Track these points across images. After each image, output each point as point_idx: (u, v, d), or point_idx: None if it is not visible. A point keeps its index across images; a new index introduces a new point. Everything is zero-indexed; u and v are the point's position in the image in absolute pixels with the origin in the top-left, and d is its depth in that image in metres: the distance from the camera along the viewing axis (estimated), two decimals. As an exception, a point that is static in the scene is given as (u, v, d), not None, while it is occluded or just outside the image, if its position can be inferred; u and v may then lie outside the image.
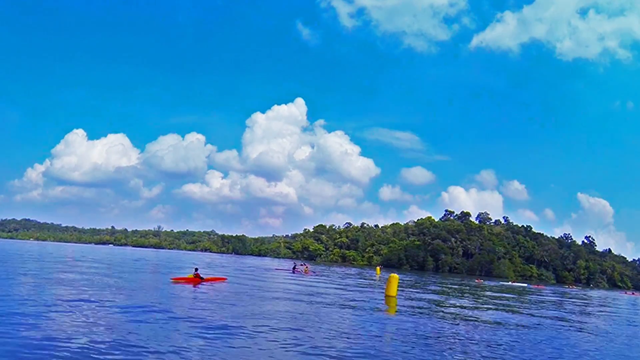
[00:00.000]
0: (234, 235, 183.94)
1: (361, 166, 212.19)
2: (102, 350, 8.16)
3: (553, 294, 49.87)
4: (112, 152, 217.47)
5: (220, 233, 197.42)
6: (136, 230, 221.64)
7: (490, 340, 12.55)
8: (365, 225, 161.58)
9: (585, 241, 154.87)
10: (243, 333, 10.79)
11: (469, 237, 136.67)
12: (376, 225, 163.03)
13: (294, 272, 43.59)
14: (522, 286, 67.39)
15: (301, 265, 50.76)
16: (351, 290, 27.06)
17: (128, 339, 9.16)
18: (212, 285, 23.26)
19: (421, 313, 17.67)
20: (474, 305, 24.22)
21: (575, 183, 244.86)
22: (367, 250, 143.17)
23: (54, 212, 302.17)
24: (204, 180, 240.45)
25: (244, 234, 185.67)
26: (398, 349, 10.45)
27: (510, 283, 75.88)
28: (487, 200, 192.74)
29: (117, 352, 8.14)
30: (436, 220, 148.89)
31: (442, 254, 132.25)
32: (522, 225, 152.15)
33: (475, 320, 16.87)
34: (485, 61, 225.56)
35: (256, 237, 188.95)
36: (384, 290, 24.75)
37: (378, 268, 67.59)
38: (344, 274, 51.86)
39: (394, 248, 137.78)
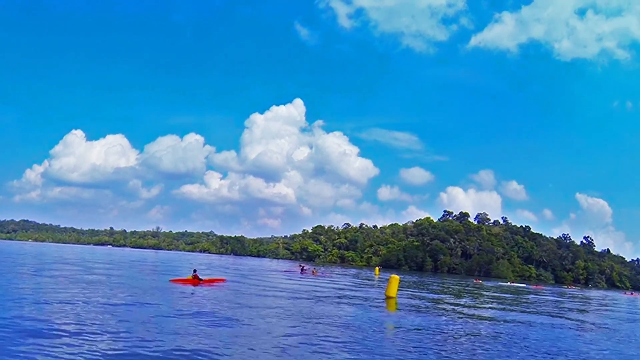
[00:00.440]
0: (233, 236, 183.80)
1: (360, 167, 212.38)
2: (100, 352, 8.14)
3: (552, 294, 49.93)
4: (111, 152, 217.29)
5: (219, 234, 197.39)
6: (135, 231, 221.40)
7: (490, 341, 12.56)
8: (364, 225, 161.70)
9: (584, 241, 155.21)
10: (241, 334, 10.79)
11: (468, 238, 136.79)
12: (375, 226, 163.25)
13: (302, 273, 44.20)
14: (520, 286, 67.47)
15: (307, 268, 51.28)
16: (350, 290, 27.06)
17: (126, 339, 9.16)
18: (211, 286, 23.25)
19: (420, 313, 17.67)
20: (474, 305, 24.23)
21: (573, 183, 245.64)
22: (365, 250, 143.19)
23: (52, 213, 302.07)
24: (203, 181, 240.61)
25: (243, 235, 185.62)
26: (398, 351, 10.44)
27: (509, 283, 75.95)
28: (485, 201, 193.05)
29: (115, 353, 8.12)
30: (435, 220, 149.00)
31: (441, 254, 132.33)
32: (521, 226, 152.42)
33: (475, 320, 16.88)
34: (484, 61, 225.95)
35: (255, 237, 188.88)
36: (383, 290, 24.73)
37: (377, 269, 67.61)
38: (343, 275, 51.88)
39: (393, 249, 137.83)
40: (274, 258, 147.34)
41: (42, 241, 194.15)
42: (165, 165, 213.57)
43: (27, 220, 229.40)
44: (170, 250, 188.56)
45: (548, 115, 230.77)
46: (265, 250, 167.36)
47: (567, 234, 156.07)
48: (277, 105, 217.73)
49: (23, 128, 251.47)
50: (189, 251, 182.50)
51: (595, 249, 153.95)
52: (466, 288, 45.11)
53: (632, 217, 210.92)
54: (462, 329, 14.47)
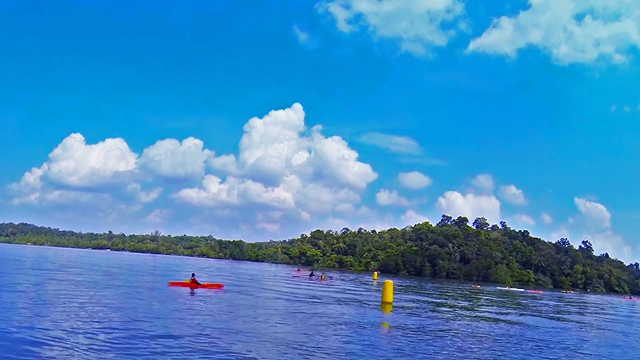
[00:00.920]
0: (232, 240, 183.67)
1: (358, 171, 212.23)
2: (98, 353, 8.31)
3: (550, 299, 50.05)
4: (110, 156, 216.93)
5: (217, 238, 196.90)
6: (133, 235, 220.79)
7: (488, 344, 12.72)
8: (362, 230, 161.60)
9: (582, 246, 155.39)
10: (241, 333, 10.94)
11: (466, 243, 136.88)
12: (373, 231, 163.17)
13: (311, 278, 44.74)
14: (519, 291, 67.62)
15: (316, 273, 52.04)
16: (349, 295, 27.18)
17: (124, 339, 9.31)
18: (208, 291, 23.41)
19: (417, 317, 17.82)
20: (472, 311, 24.37)
21: (572, 187, 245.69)
22: (364, 255, 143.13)
23: (51, 216, 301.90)
24: (202, 185, 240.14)
25: (242, 239, 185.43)
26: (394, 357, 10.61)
27: (507, 288, 76.06)
28: (484, 205, 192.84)
29: (112, 354, 8.30)
30: (433, 225, 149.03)
31: (440, 259, 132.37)
32: (519, 230, 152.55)
33: (473, 326, 17.02)
34: (482, 66, 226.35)
35: (253, 242, 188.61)
36: (380, 296, 24.83)
37: (375, 273, 67.79)
38: (340, 279, 51.98)
39: (392, 253, 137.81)
40: (273, 263, 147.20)
41: (40, 244, 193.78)
42: (164, 169, 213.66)
43: (26, 223, 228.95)
44: (169, 254, 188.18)
45: (546, 119, 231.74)
46: (263, 254, 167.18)
47: (566, 239, 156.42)
48: (276, 109, 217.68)
49: (22, 131, 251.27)
50: (187, 255, 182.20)
51: (594, 254, 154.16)
52: (464, 293, 45.23)
53: (630, 222, 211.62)
54: (459, 335, 14.63)
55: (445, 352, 11.13)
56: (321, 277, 46.92)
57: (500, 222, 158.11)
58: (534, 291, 74.44)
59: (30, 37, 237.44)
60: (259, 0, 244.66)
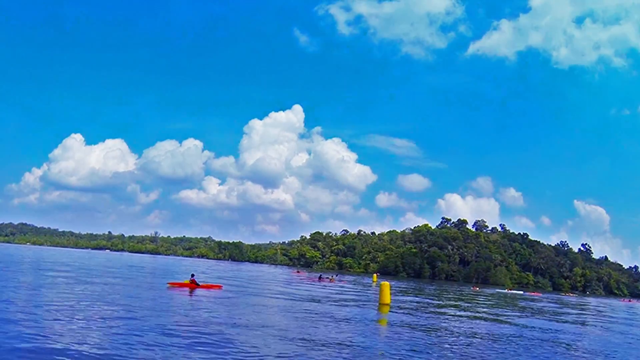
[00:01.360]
0: (231, 241, 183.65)
1: (358, 173, 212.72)
2: (96, 354, 8.38)
3: (550, 301, 50.08)
4: (110, 157, 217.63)
5: (216, 239, 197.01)
6: (133, 235, 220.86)
7: (487, 346, 12.78)
8: (361, 232, 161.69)
9: (582, 248, 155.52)
10: (240, 334, 11.00)
11: (466, 245, 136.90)
12: (373, 233, 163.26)
13: (320, 281, 45.10)
14: (518, 294, 67.62)
15: (325, 276, 52.61)
16: (347, 298, 27.23)
17: (122, 340, 9.36)
18: (207, 291, 23.49)
19: (415, 320, 17.87)
20: (471, 314, 24.42)
21: (571, 190, 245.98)
22: (363, 257, 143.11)
23: (51, 216, 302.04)
24: (201, 187, 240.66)
25: (241, 241, 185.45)
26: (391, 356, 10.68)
27: (506, 291, 76.06)
28: (483, 207, 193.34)
29: (111, 355, 8.36)
30: (433, 227, 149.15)
31: (439, 261, 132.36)
32: (519, 233, 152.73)
33: (471, 329, 17.08)
34: (482, 69, 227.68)
35: (253, 243, 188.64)
36: (378, 298, 24.89)
37: (375, 275, 67.82)
38: (340, 281, 52.01)
39: (391, 255, 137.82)
40: (272, 264, 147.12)
41: (40, 245, 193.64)
42: (163, 170, 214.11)
43: (26, 223, 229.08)
44: (168, 255, 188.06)
45: (546, 122, 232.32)
46: (263, 256, 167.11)
47: (565, 241, 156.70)
48: (276, 111, 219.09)
49: (22, 131, 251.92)
50: (186, 256, 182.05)
51: (593, 256, 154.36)
52: (463, 295, 45.28)
53: (629, 224, 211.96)
54: (455, 336, 14.69)
55: (441, 352, 11.19)
56: (330, 279, 47.52)
57: (500, 225, 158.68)
58: (533, 294, 74.43)
59: (30, 38, 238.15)
60: (260, 3, 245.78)
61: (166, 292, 20.89)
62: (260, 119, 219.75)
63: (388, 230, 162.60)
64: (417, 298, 33.19)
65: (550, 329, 18.87)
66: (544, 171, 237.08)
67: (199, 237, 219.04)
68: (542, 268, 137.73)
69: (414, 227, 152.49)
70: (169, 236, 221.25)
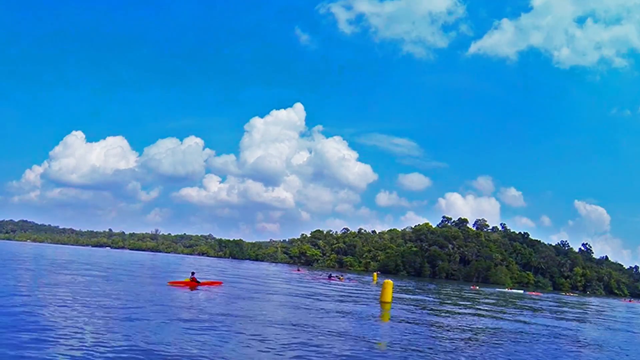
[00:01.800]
0: (231, 239, 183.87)
1: (359, 172, 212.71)
2: (96, 352, 8.35)
3: (550, 301, 50.05)
4: (111, 154, 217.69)
5: (217, 237, 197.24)
6: (133, 233, 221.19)
7: (485, 346, 12.76)
8: (362, 230, 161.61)
9: (582, 248, 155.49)
10: (239, 332, 10.98)
11: (466, 244, 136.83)
12: (373, 231, 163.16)
13: (329, 280, 45.38)
14: (518, 293, 67.62)
15: (334, 275, 53.01)
16: (348, 295, 27.21)
17: (122, 339, 9.36)
18: (208, 289, 23.48)
19: (414, 318, 17.85)
20: (469, 312, 24.39)
21: (572, 190, 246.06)
22: (364, 256, 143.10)
23: (51, 214, 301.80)
24: (202, 184, 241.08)
25: (241, 239, 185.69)
26: (391, 354, 10.65)
27: (507, 290, 76.06)
28: (483, 207, 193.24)
29: (110, 354, 8.33)
30: (433, 226, 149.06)
31: (439, 260, 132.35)
32: (519, 232, 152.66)
33: (469, 328, 17.05)
34: (483, 68, 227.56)
35: (253, 241, 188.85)
36: (379, 296, 24.88)
37: (375, 274, 67.84)
38: (350, 280, 52.01)
39: (391, 254, 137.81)
40: (272, 262, 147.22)
41: (40, 242, 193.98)
42: (164, 167, 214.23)
43: (26, 220, 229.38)
44: (169, 252, 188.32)
45: (547, 122, 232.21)
46: (263, 254, 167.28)
47: (565, 241, 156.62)
48: (277, 109, 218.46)
49: (23, 129, 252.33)
50: (187, 254, 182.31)
51: (594, 256, 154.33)
52: (462, 294, 45.28)
53: (630, 225, 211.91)
54: (454, 333, 14.66)
55: (439, 349, 11.17)
56: (340, 278, 47.97)
57: (500, 224, 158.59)
58: (533, 293, 74.44)
59: (31, 36, 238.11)
60: (261, 1, 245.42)
61: (166, 290, 20.88)
62: (261, 117, 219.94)
63: (389, 229, 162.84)
64: (417, 296, 33.17)
65: (551, 326, 18.84)
66: (544, 171, 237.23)
67: (199, 234, 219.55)
68: (542, 268, 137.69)
69: (415, 226, 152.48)
70: (169, 234, 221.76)
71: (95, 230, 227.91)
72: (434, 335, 13.52)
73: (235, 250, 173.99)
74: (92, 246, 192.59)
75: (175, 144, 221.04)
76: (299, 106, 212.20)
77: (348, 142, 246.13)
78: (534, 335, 15.45)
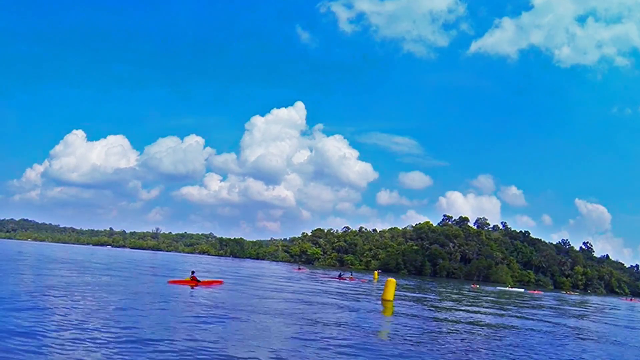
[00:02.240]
0: (232, 238, 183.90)
1: (359, 170, 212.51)
2: (96, 351, 8.31)
3: (551, 299, 50.00)
4: (111, 153, 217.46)
5: (218, 236, 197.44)
6: (134, 232, 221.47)
7: (482, 344, 12.70)
8: (363, 229, 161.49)
9: (583, 247, 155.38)
10: (239, 331, 10.94)
11: (467, 243, 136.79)
12: (374, 230, 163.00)
13: (339, 279, 45.56)
14: (519, 292, 67.56)
15: (344, 274, 53.25)
16: (349, 293, 27.17)
17: (122, 333, 9.31)
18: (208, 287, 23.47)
19: (415, 314, 17.80)
20: (469, 309, 24.34)
21: (572, 189, 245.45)
22: (365, 254, 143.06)
23: (52, 212, 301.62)
24: (203, 183, 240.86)
25: (242, 237, 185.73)
26: (393, 349, 10.60)
27: (508, 288, 75.97)
28: (484, 206, 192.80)
29: (110, 353, 8.29)
30: (434, 225, 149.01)
31: (440, 258, 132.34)
32: (520, 231, 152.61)
33: (470, 324, 17.00)
34: (484, 67, 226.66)
35: (254, 240, 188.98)
36: (380, 294, 24.83)
37: (376, 273, 67.76)
38: (360, 280, 52.05)
39: (392, 252, 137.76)
40: (273, 261, 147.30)
41: (41, 241, 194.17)
42: (165, 166, 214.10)
43: (27, 219, 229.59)
44: (170, 251, 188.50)
45: (547, 121, 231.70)
46: (264, 252, 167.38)
47: (566, 240, 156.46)
48: (278, 108, 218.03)
49: (24, 127, 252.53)
50: (188, 253, 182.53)
51: (594, 255, 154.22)
52: (463, 292, 45.26)
53: (631, 223, 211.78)
54: (456, 333, 14.60)
55: (439, 339, 11.12)
56: (350, 277, 48.39)
57: (501, 223, 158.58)
58: (534, 292, 74.36)
59: (32, 34, 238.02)
60: (262, 0, 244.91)
61: (167, 289, 20.87)
62: (262, 116, 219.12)
63: (389, 227, 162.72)
64: (418, 294, 33.14)
65: (552, 322, 18.79)
66: (545, 170, 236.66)
67: (200, 233, 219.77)
68: (543, 266, 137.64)
69: (416, 225, 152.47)
70: (170, 232, 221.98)
71: (96, 229, 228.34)
72: (434, 328, 13.76)
73: (236, 249, 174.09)
74: (93, 245, 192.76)
75: (175, 143, 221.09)
76: (299, 105, 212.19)
77: (349, 140, 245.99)
78: (535, 331, 15.37)
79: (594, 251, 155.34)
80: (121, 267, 36.15)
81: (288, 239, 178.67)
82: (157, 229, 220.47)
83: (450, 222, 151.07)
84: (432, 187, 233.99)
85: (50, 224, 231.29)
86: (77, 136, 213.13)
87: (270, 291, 24.55)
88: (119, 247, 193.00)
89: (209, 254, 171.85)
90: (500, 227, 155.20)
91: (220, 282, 26.51)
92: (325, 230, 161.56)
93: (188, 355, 8.25)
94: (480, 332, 14.25)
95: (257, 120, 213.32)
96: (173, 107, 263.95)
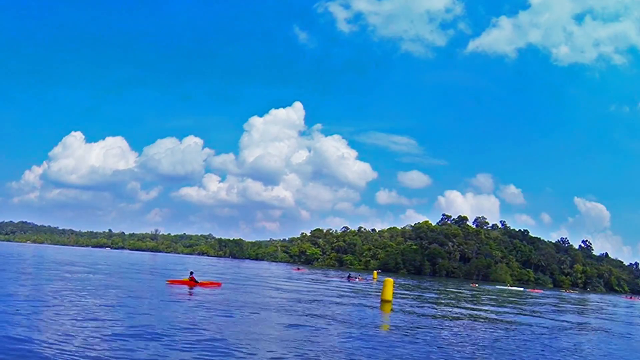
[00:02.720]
0: (231, 239, 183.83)
1: (358, 170, 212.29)
2: (96, 350, 8.27)
3: (550, 297, 50.03)
4: (110, 155, 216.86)
5: (217, 237, 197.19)
6: (133, 233, 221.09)
7: (482, 344, 12.68)
8: (362, 229, 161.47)
9: (582, 245, 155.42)
10: (239, 329, 10.91)
11: (466, 242, 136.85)
12: (373, 229, 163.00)
13: (349, 280, 45.98)
14: (518, 290, 67.57)
15: (353, 275, 54.01)
16: (348, 294, 27.16)
17: (122, 338, 9.26)
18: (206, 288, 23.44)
19: (414, 311, 17.79)
20: (468, 307, 24.33)
21: (571, 187, 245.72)
22: (364, 254, 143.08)
23: (51, 214, 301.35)
24: (201, 184, 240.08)
25: (241, 238, 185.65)
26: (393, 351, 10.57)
27: (507, 287, 75.99)
28: (483, 205, 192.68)
29: (110, 352, 8.25)
30: (433, 224, 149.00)
31: (439, 258, 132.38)
32: (519, 230, 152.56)
33: (470, 322, 16.98)
34: (482, 66, 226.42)
35: (253, 240, 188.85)
36: (379, 294, 24.79)
37: (375, 272, 67.79)
38: (339, 277, 52.08)
39: (391, 252, 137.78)
40: (273, 261, 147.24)
41: (40, 243, 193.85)
42: (164, 167, 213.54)
43: (26, 221, 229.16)
44: (169, 252, 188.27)
45: (546, 119, 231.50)
46: (263, 253, 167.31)
47: (565, 238, 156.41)
48: (276, 108, 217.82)
49: (22, 129, 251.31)
50: (187, 254, 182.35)
51: (594, 253, 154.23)
52: (462, 291, 45.26)
53: (630, 221, 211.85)
54: (455, 330, 14.58)
55: (438, 334, 11.10)
56: (359, 278, 48.92)
57: (500, 222, 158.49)
58: (534, 290, 74.39)
59: (30, 36, 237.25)
60: (259, 0, 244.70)
61: (165, 290, 20.84)
62: (261, 116, 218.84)
63: (388, 227, 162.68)
64: (417, 293, 33.13)
65: (554, 326, 18.79)
66: (544, 168, 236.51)
67: (199, 234, 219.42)
68: (542, 265, 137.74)
69: (415, 224, 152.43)
70: (169, 234, 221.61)
71: (95, 231, 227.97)
72: (433, 324, 13.83)
73: (235, 250, 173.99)
74: (92, 247, 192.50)
75: (174, 144, 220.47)
76: (298, 105, 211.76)
77: (347, 140, 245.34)
78: (534, 328, 15.35)
79: (593, 249, 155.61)
80: (120, 268, 36.08)
81: (287, 239, 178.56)
82: (156, 230, 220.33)
83: (449, 222, 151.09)
84: (431, 186, 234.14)
85: (49, 226, 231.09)
86: (75, 138, 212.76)
87: (274, 290, 24.48)
88: (118, 248, 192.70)
89: (208, 255, 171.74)
90: (499, 226, 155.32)
91: (219, 285, 26.38)
92: (324, 231, 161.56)
93: (187, 351, 8.25)
94: (480, 328, 14.21)
95: (256, 120, 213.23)
96: (171, 108, 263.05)
